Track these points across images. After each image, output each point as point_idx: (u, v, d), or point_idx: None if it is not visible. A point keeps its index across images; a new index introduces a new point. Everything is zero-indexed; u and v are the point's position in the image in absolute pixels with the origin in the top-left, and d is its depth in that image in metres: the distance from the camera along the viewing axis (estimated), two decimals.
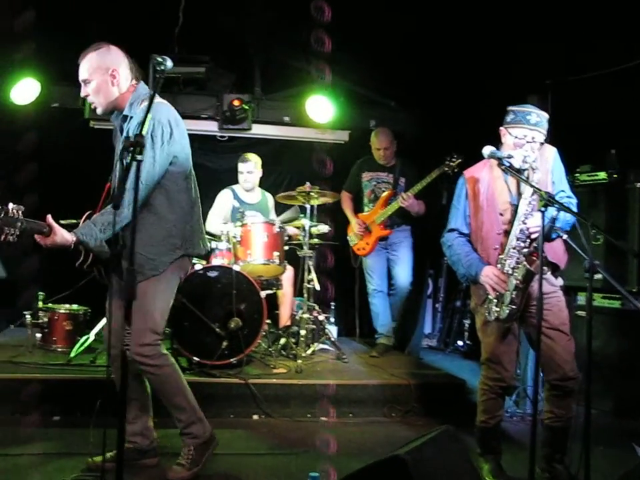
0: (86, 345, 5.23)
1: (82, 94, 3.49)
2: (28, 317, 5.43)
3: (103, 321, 5.39)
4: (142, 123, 2.60)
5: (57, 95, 6.58)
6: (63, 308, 5.52)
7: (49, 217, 3.15)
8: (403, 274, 6.21)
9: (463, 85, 6.27)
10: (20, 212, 3.01)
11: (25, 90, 6.39)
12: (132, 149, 2.50)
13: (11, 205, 2.99)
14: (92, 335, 5.29)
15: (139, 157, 2.50)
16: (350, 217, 6.35)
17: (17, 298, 6.06)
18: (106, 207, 3.38)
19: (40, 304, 5.53)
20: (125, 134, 3.41)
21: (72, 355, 5.05)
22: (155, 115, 3.27)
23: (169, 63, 2.77)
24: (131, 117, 3.41)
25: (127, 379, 2.52)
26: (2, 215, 2.94)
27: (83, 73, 3.43)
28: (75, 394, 4.48)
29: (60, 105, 6.57)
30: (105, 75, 3.40)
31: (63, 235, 3.13)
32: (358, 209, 6.39)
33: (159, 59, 2.73)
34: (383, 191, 6.20)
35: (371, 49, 6.27)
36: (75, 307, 5.56)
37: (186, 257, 3.54)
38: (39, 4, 5.46)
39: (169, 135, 3.33)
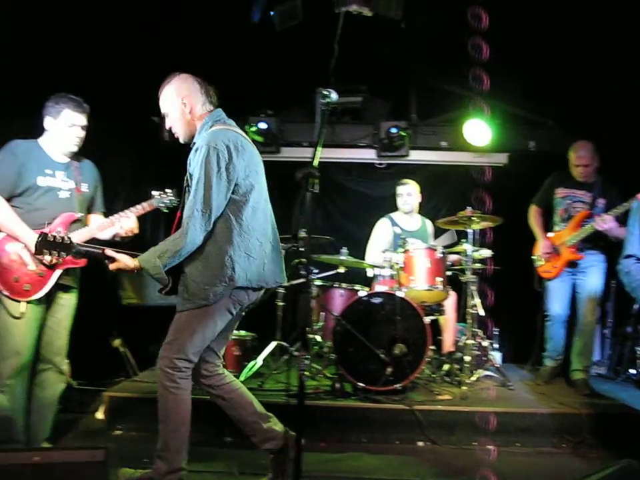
0: (254, 369, 5.45)
1: (166, 126, 3.58)
2: None
3: (271, 346, 5.60)
4: (314, 155, 2.69)
5: None
6: (231, 334, 5.70)
7: (107, 249, 3.27)
8: (588, 305, 5.53)
9: (623, 100, 6.02)
10: (65, 237, 3.20)
11: None
12: (304, 180, 2.61)
13: (51, 230, 3.22)
14: (259, 360, 5.51)
15: (312, 189, 2.58)
16: (538, 235, 5.82)
17: None
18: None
19: None
20: (189, 162, 3.46)
21: (241, 379, 5.20)
22: (210, 141, 3.28)
23: (334, 95, 2.88)
24: (194, 143, 3.47)
25: (303, 402, 2.59)
26: (40, 239, 3.15)
27: (161, 107, 3.55)
28: None
29: None
30: (177, 104, 3.47)
31: (124, 262, 3.23)
32: (546, 226, 5.86)
33: (325, 92, 2.86)
34: (578, 211, 5.58)
35: (527, 68, 6.16)
36: (242, 333, 5.67)
37: (243, 290, 3.40)
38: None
39: (225, 160, 3.27)
